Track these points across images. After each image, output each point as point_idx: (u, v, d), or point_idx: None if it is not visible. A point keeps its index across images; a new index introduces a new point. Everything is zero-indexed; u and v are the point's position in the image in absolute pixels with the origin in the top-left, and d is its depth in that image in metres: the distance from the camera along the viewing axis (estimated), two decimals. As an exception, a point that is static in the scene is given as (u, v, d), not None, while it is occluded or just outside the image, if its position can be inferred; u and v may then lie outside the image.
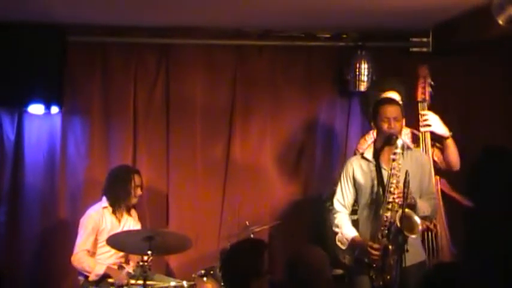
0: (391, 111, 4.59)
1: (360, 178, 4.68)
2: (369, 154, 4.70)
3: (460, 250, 5.45)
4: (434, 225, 5.16)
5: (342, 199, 4.74)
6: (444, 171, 5.26)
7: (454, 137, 5.18)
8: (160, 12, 5.52)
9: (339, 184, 4.77)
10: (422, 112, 5.22)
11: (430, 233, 5.09)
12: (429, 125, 5.17)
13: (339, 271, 5.35)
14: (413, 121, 5.23)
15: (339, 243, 4.74)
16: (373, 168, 4.63)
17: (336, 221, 4.72)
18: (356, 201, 4.77)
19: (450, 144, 5.15)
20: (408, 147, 4.71)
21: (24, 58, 5.72)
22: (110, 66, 6.08)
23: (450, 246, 5.30)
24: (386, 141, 4.58)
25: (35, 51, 5.74)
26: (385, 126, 4.57)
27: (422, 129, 5.18)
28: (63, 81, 5.92)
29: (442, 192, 5.20)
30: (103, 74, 6.07)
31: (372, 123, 4.73)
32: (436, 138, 5.22)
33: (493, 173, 6.01)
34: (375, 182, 4.60)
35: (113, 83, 6.09)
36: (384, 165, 4.60)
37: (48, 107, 5.84)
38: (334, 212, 4.75)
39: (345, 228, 4.68)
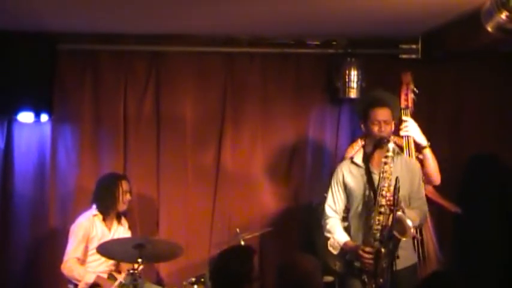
0: (382, 114, 4.58)
1: (351, 183, 4.69)
2: (359, 159, 4.71)
3: (448, 258, 5.46)
4: (420, 232, 5.15)
5: (334, 204, 4.75)
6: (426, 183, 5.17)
7: (432, 147, 5.11)
8: (150, 19, 5.51)
9: (330, 190, 4.78)
10: (403, 118, 5.21)
11: (416, 241, 5.06)
12: (407, 131, 5.15)
13: (329, 278, 5.34)
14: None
15: (330, 248, 4.74)
16: (363, 172, 4.64)
17: (328, 227, 4.73)
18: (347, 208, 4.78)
19: (428, 154, 5.07)
20: (398, 153, 4.71)
21: (14, 66, 5.69)
22: (99, 74, 6.06)
23: (438, 254, 5.30)
24: (377, 144, 4.59)
25: (24, 59, 5.71)
26: (376, 129, 4.57)
27: (401, 133, 5.15)
28: (53, 89, 5.91)
29: (429, 199, 5.10)
30: (93, 82, 6.05)
31: (362, 126, 4.72)
32: (416, 149, 5.17)
33: (482, 180, 6.03)
34: (366, 187, 4.60)
35: (103, 90, 6.07)
36: (373, 170, 4.61)
37: (37, 115, 5.81)
38: (326, 218, 4.75)
39: (337, 233, 4.68)
